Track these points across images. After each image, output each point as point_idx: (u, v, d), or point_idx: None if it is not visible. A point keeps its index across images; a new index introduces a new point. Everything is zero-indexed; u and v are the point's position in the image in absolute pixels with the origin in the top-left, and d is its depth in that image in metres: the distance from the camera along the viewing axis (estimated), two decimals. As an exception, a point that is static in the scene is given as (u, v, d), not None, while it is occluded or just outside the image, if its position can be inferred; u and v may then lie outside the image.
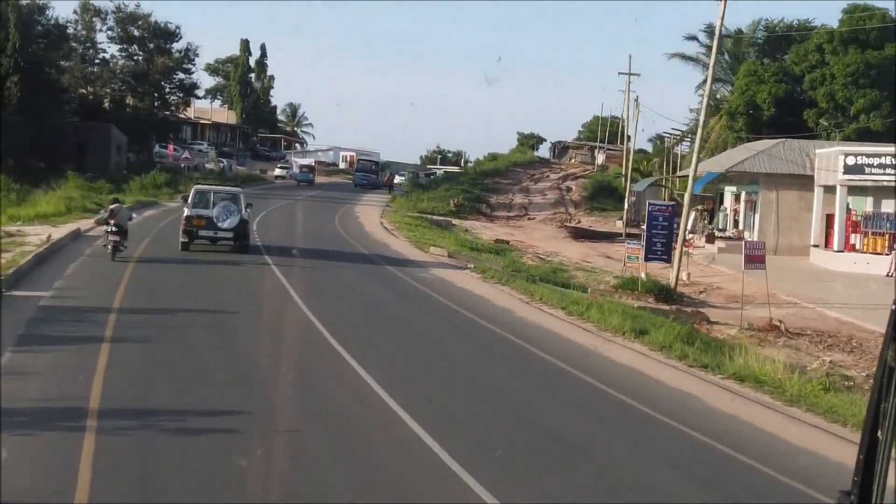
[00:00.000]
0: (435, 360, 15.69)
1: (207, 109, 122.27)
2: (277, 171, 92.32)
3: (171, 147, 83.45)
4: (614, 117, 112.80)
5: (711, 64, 34.50)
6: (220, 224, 26.00)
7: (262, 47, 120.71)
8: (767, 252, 49.26)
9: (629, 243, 38.22)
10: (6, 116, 58.46)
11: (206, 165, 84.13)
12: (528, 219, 59.39)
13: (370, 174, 77.95)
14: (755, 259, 28.90)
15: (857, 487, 3.45)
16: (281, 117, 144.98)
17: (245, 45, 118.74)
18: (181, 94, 76.78)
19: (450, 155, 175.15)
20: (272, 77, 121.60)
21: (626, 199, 57.94)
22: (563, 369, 15.44)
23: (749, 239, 48.29)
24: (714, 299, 35.17)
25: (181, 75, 75.82)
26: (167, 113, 77.40)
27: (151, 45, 75.05)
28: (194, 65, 76.55)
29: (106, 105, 73.19)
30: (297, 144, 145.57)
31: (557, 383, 14.72)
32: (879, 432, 3.40)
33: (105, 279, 21.04)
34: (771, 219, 47.93)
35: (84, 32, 73.38)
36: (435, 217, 53.24)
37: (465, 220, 55.26)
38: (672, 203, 35.44)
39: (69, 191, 43.25)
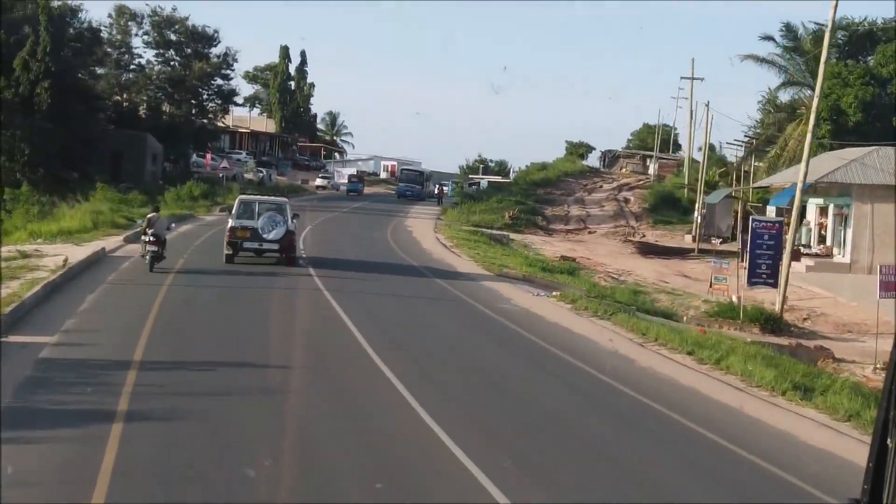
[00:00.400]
0: (570, 446, 11.40)
1: (246, 118, 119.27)
2: (318, 182, 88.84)
3: (208, 156, 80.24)
4: (665, 125, 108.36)
5: (822, 60, 30.14)
6: (265, 235, 25.10)
7: (303, 54, 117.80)
8: (860, 271, 44.99)
9: (715, 261, 34.02)
10: (38, 123, 55.46)
11: (245, 175, 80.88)
12: (589, 232, 55.21)
13: (414, 185, 73.86)
14: (891, 287, 24.45)
15: (867, 495, 3.52)
16: (320, 126, 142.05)
17: (285, 51, 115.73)
18: (219, 101, 73.40)
19: (492, 164, 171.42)
20: (312, 84, 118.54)
21: (695, 212, 53.55)
22: (743, 459, 11.22)
23: (841, 257, 43.85)
24: (822, 327, 30.86)
25: (219, 81, 72.49)
26: (205, 121, 74.08)
27: (189, 50, 71.83)
28: (233, 70, 73.31)
29: (141, 112, 70.02)
30: (336, 154, 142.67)
31: (750, 484, 10.53)
32: (889, 440, 3.50)
33: (127, 315, 17.41)
34: (865, 234, 43.33)
35: (119, 37, 70.29)
36: (491, 231, 49.26)
37: (522, 235, 51.19)
38: (779, 220, 31.06)
39: (97, 203, 39.81)
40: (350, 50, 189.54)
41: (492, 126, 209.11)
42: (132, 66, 71.38)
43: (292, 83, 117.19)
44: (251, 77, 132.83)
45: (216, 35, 72.24)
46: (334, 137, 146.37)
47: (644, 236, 53.93)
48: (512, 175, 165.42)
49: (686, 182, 67.58)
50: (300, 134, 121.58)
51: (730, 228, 52.38)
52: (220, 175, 67.19)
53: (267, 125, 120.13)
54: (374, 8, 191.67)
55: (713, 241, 51.33)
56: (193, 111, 72.95)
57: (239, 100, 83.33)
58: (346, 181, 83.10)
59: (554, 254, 43.80)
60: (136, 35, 70.75)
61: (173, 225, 27.32)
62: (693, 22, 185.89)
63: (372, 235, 41.10)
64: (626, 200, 69.06)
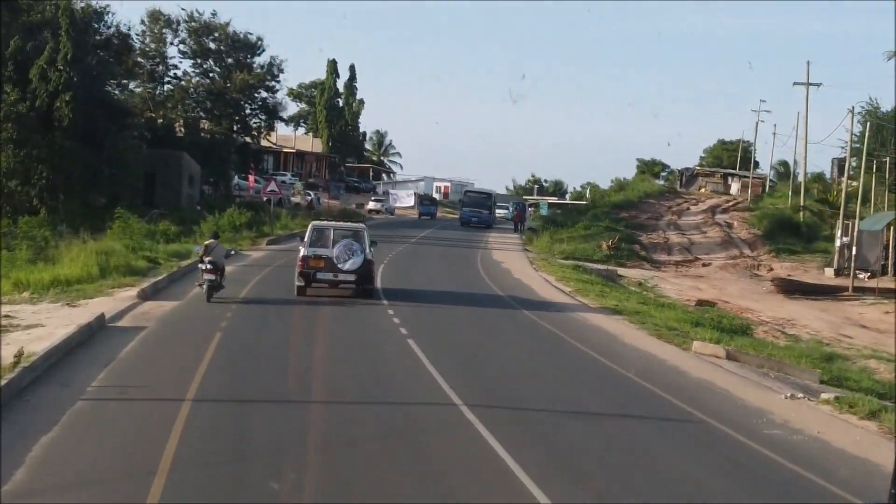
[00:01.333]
0: None
1: (290, 137, 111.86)
2: (371, 205, 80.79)
3: (251, 178, 72.46)
4: (743, 142, 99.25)
5: None
6: (341, 265, 23.28)
7: (352, 68, 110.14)
8: None
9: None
10: (58, 141, 47.79)
11: (292, 199, 73.03)
12: (703, 265, 46.42)
13: (482, 210, 63.30)
14: None
15: (894, 499, 3.64)
16: (367, 146, 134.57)
17: (332, 66, 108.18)
18: (264, 116, 65.49)
19: (546, 184, 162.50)
20: (362, 101, 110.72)
21: (836, 240, 44.54)
22: None
23: None
24: None
25: (263, 94, 64.60)
26: (247, 138, 66.27)
27: (230, 60, 64.13)
28: (279, 82, 65.32)
29: (177, 129, 62.35)
30: (384, 175, 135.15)
31: None
32: None
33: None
34: None
35: (153, 45, 62.75)
36: (591, 265, 40.70)
37: (627, 268, 42.54)
38: None
39: (114, 238, 31.69)
40: (394, 67, 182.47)
41: (542, 145, 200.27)
42: (167, 79, 63.78)
43: (340, 100, 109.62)
44: (295, 94, 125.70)
45: (260, 43, 64.62)
46: (381, 158, 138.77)
47: (772, 269, 44.98)
48: (567, 196, 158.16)
49: (802, 202, 58.49)
50: (347, 154, 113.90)
51: (879, 260, 43.34)
52: (265, 199, 59.27)
53: (312, 144, 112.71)
54: (414, 24, 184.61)
55: (859, 276, 42.30)
56: (235, 128, 65.18)
57: (285, 114, 75.59)
58: (418, 203, 76.62)
59: (679, 294, 35.14)
60: (172, 44, 63.17)
61: (233, 252, 25.09)
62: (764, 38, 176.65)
63: (460, 271, 33.25)
64: (729, 225, 60.03)
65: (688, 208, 71.54)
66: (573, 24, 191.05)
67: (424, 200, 77.62)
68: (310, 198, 75.08)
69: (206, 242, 22.95)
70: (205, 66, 63.79)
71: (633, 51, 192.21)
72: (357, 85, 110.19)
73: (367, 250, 23.61)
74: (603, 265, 41.51)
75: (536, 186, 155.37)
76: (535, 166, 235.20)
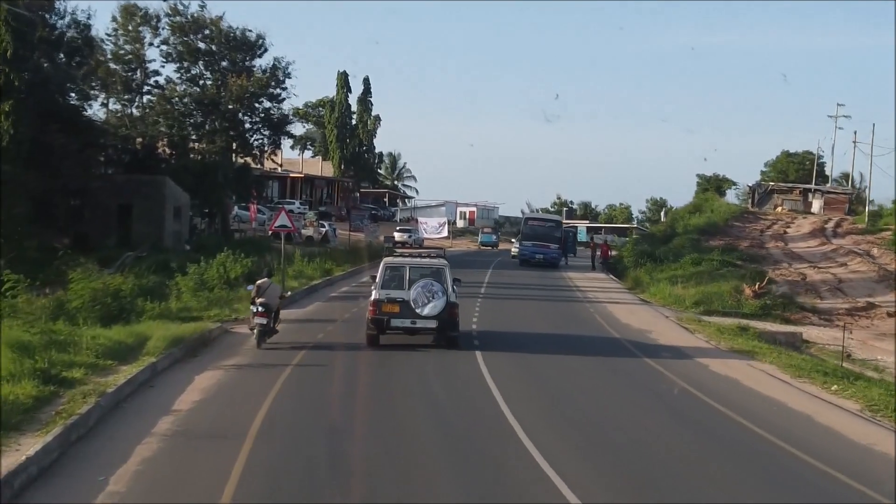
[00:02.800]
0: None
1: (297, 160, 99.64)
2: (398, 237, 68.22)
3: (253, 208, 59.95)
4: (809, 153, 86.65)
5: None
6: (419, 310, 19.79)
7: (366, 81, 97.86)
8: None
9: None
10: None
11: (302, 231, 60.57)
12: (889, 314, 33.68)
13: (548, 244, 47.34)
14: None
15: None
16: (379, 170, 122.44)
17: (343, 78, 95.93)
18: (267, 132, 52.96)
19: (574, 207, 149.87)
20: (378, 118, 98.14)
21: None
22: None
23: None
24: None
25: (266, 104, 52.13)
26: (248, 160, 53.81)
27: (224, 63, 51.81)
28: (285, 89, 52.74)
29: (161, 149, 50.05)
30: (399, 200, 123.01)
31: None
32: None
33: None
34: None
35: (128, 48, 50.41)
36: (751, 323, 28.00)
37: (796, 325, 29.90)
38: None
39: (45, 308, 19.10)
40: (405, 85, 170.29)
41: (564, 165, 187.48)
42: (146, 87, 51.34)
43: (352, 118, 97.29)
44: (302, 114, 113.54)
45: (261, 41, 52.22)
46: (395, 182, 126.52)
47: None
48: (599, 218, 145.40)
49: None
50: (361, 178, 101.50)
51: None
52: (270, 233, 46.42)
53: (322, 168, 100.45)
54: (427, 40, 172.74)
55: None
56: (234, 146, 52.71)
57: (294, 129, 62.55)
58: (479, 234, 68.50)
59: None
60: (152, 44, 50.78)
61: (288, 293, 22.59)
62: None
63: (567, 324, 23.80)
64: (868, 253, 47.24)
65: (784, 232, 58.90)
66: (586, 44, 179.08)
67: (486, 230, 70.14)
68: (324, 230, 62.55)
69: (259, 282, 20.52)
70: (193, 72, 51.42)
71: (661, 66, 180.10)
72: (372, 100, 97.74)
73: (450, 291, 20.21)
74: (759, 319, 28.83)
75: (565, 209, 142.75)
76: (557, 187, 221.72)
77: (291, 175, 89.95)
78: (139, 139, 49.11)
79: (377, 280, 20.70)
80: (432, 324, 20.12)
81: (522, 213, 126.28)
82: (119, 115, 50.00)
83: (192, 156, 50.96)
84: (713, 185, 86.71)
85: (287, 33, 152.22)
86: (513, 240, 60.45)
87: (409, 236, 69.23)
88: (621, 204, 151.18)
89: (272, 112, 52.63)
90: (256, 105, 51.85)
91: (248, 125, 52.66)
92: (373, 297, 20.37)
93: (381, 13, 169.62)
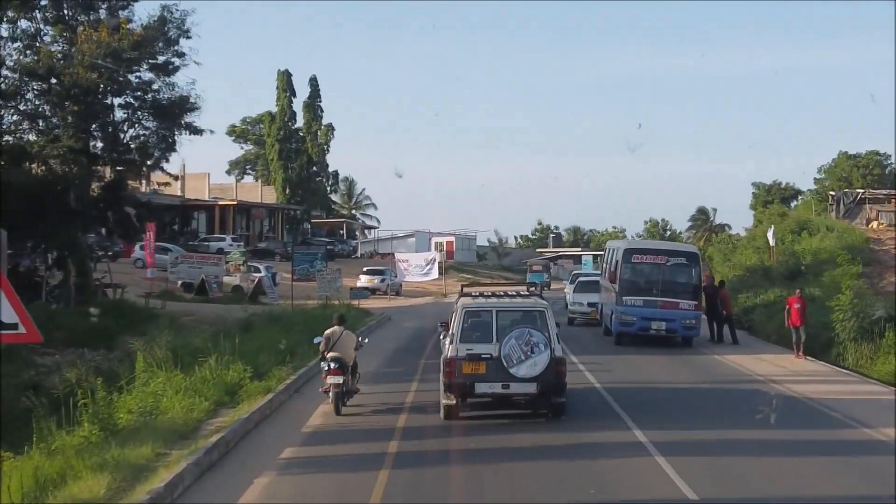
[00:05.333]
0: None
1: (230, 186, 79.19)
2: (362, 281, 48.19)
3: (149, 246, 39.19)
4: (875, 153, 68.08)
5: None
6: (513, 370, 15.12)
7: (313, 82, 77.39)
8: None
9: None
10: None
11: (222, 281, 40.53)
12: None
13: (679, 299, 25.27)
14: None
15: None
16: (334, 197, 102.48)
17: (285, 79, 75.49)
18: (152, 125, 32.43)
19: (563, 233, 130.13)
20: (330, 128, 77.70)
21: None
22: None
23: None
24: None
25: (148, 76, 31.76)
26: (122, 171, 33.35)
27: (83, 18, 31.49)
28: (182, 55, 32.44)
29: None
30: (359, 232, 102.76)
31: None
32: None
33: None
34: None
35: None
36: None
37: None
38: None
39: None
40: (360, 100, 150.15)
41: (547, 189, 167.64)
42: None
43: (299, 129, 76.89)
44: (238, 133, 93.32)
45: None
46: (353, 210, 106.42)
47: None
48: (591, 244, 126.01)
49: None
50: (312, 205, 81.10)
51: None
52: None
53: (263, 194, 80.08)
54: (392, 52, 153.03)
55: None
56: (100, 151, 32.29)
57: (230, 151, 40.30)
58: (528, 272, 57.83)
59: None
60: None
61: (366, 341, 18.15)
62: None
63: None
64: None
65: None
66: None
67: (535, 267, 57.80)
68: (259, 276, 42.34)
69: (328, 332, 16.78)
70: (23, 29, 30.96)
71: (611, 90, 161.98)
72: (322, 105, 77.39)
73: (554, 341, 15.22)
74: None
75: (552, 236, 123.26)
76: (537, 213, 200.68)
77: (221, 203, 69.47)
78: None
79: (452, 329, 15.69)
80: (531, 388, 15.18)
81: (499, 240, 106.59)
82: None
83: (26, 164, 30.49)
84: (777, 195, 67.25)
85: (221, 33, 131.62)
86: (565, 284, 40.45)
87: (383, 280, 48.96)
88: (615, 228, 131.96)
89: (159, 93, 32.26)
90: (132, 79, 31.46)
91: (120, 115, 32.24)
92: (448, 354, 15.48)
93: (330, 15, 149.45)
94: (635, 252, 26.03)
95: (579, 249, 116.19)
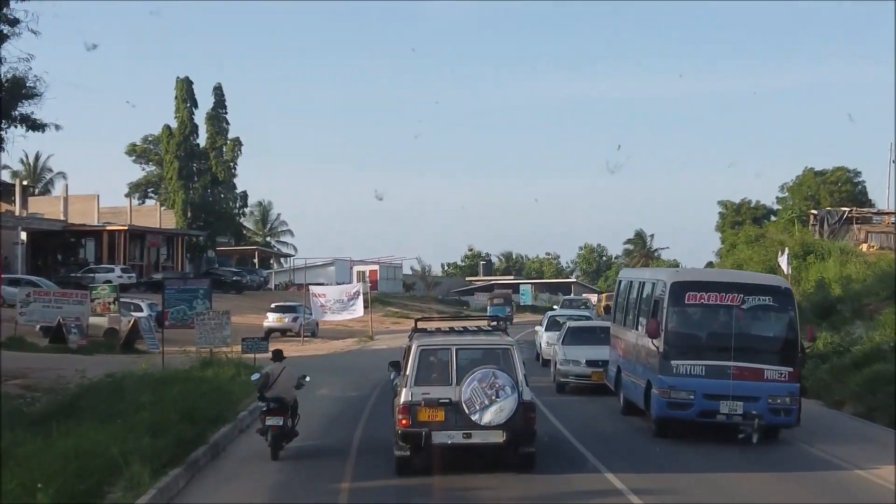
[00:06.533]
0: None
1: (124, 210, 69.49)
2: (269, 321, 39.61)
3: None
4: (843, 170, 62.24)
5: None
6: (476, 417, 13.57)
7: (218, 90, 68.23)
8: None
9: None
10: None
11: (89, 321, 31.59)
12: None
13: (765, 363, 16.10)
14: None
15: None
16: (246, 223, 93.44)
17: (184, 87, 66.29)
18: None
19: (492, 259, 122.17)
20: (238, 142, 68.55)
21: None
22: None
23: None
24: None
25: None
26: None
27: None
28: (17, 26, 23.54)
29: None
30: (273, 261, 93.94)
31: None
32: None
33: None
34: None
35: None
36: None
37: None
38: None
39: None
40: (275, 118, 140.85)
41: (477, 215, 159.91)
42: None
43: (201, 142, 67.67)
44: (139, 152, 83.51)
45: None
46: (268, 238, 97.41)
47: None
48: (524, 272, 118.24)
49: None
50: (219, 230, 71.74)
51: None
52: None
53: (161, 219, 70.59)
54: (317, 68, 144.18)
55: None
56: None
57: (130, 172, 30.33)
58: (488, 306, 54.96)
59: None
60: None
61: (307, 379, 16.54)
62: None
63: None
64: None
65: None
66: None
67: (496, 300, 53.97)
68: (138, 316, 33.49)
69: (266, 370, 15.79)
70: None
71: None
72: (228, 116, 68.25)
73: (522, 383, 13.72)
74: None
75: (482, 263, 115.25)
76: (467, 239, 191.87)
77: (110, 228, 60.00)
78: None
79: (407, 371, 14.09)
80: (497, 436, 13.54)
81: (422, 268, 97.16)
82: None
83: None
84: (747, 215, 60.11)
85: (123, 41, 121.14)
86: (537, 327, 31.69)
87: (296, 319, 40.15)
88: (548, 254, 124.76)
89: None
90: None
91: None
92: (401, 399, 13.90)
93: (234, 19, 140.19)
94: (691, 287, 16.81)
95: (512, 277, 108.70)
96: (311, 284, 43.70)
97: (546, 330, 28.69)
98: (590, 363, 22.34)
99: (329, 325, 42.15)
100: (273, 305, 41.65)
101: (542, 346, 27.84)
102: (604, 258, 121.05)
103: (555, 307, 46.86)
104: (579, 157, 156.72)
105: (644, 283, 18.79)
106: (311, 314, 38.41)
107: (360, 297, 37.20)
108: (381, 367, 27.42)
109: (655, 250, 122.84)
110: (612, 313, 21.93)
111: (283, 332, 40.54)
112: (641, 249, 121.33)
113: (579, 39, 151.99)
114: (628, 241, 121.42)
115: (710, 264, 56.26)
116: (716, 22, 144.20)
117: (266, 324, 40.35)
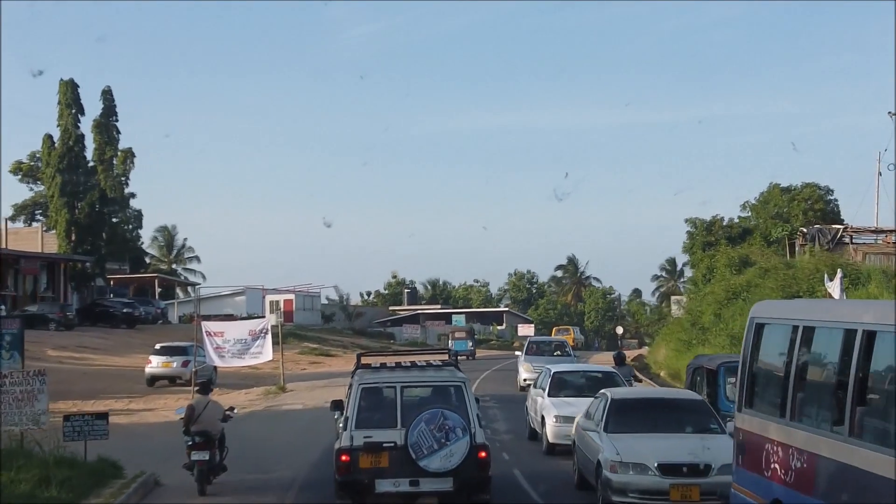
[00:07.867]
0: None
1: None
2: (153, 366, 31.41)
3: None
4: (813, 186, 57.07)
5: None
6: (424, 462, 12.92)
7: (107, 94, 59.48)
8: None
9: None
10: None
11: None
12: None
13: None
14: None
15: None
16: (150, 249, 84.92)
17: (69, 89, 57.61)
18: None
19: (420, 287, 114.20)
20: (130, 153, 59.83)
21: None
22: None
23: None
24: None
25: None
26: None
27: None
28: None
29: None
30: (179, 290, 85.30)
31: None
32: None
33: None
34: None
35: None
36: None
37: None
38: None
39: None
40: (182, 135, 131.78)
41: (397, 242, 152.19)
42: None
43: (87, 154, 58.91)
44: (26, 171, 74.12)
45: None
46: (174, 265, 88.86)
47: None
48: (453, 302, 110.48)
49: None
50: (111, 255, 62.92)
51: None
52: None
53: (43, 242, 61.65)
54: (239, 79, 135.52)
55: None
56: None
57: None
58: (449, 339, 51.15)
59: None
60: None
61: (235, 411, 16.96)
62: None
63: None
64: None
65: None
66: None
67: (458, 335, 52.22)
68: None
69: (191, 402, 15.63)
70: None
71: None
72: (118, 125, 59.54)
73: (475, 424, 13.06)
74: None
75: (407, 291, 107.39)
76: (390, 266, 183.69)
77: (-25, 252, 50.91)
78: None
79: (347, 411, 13.38)
80: (447, 484, 12.87)
81: (340, 297, 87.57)
82: None
83: None
84: (720, 234, 53.39)
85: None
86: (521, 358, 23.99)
87: (185, 363, 31.89)
88: (477, 281, 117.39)
89: None
90: None
91: None
92: (341, 444, 13.18)
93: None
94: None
95: (440, 307, 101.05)
96: (205, 318, 35.47)
97: (550, 394, 19.40)
98: (665, 469, 13.22)
99: (230, 369, 34.05)
100: (158, 346, 33.28)
101: (549, 422, 18.68)
102: (535, 285, 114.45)
103: (517, 353, 39.08)
104: (524, 186, 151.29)
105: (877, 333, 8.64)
106: (204, 358, 30.31)
107: (268, 337, 29.28)
108: (293, 450, 19.81)
109: (588, 277, 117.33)
110: (742, 385, 11.33)
111: (172, 379, 32.37)
112: (573, 276, 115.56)
113: (527, 69, 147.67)
114: (559, 267, 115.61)
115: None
116: (663, 52, 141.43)
117: (149, 369, 32.12)
